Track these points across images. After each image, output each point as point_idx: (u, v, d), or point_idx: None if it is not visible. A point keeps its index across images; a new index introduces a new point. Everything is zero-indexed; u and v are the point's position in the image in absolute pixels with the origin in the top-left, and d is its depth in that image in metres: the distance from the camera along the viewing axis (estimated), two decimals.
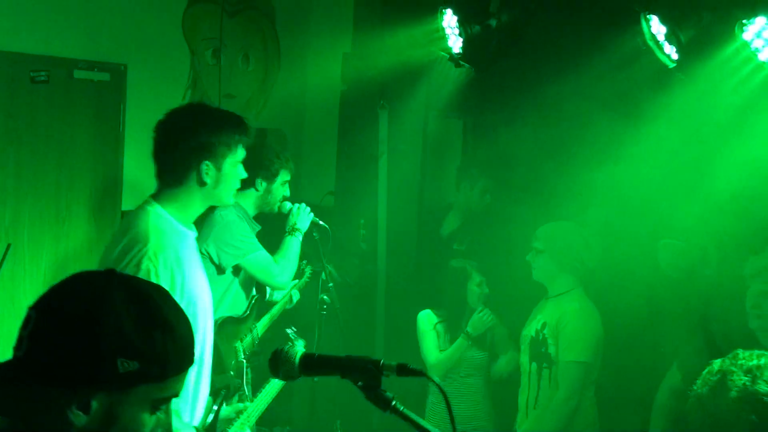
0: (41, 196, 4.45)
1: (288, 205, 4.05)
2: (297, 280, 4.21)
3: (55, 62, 4.43)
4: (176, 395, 1.27)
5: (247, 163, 3.78)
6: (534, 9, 3.65)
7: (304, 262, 4.22)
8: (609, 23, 3.41)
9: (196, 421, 2.46)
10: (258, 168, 3.76)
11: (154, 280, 2.22)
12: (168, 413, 1.30)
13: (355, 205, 5.31)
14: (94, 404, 1.19)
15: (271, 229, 4.03)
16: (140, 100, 4.87)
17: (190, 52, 5.15)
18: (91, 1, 4.59)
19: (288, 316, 4.19)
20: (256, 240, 3.75)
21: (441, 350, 3.84)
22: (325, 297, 4.15)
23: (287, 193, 3.96)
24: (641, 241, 3.61)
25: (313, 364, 1.57)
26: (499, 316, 3.90)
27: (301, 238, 3.94)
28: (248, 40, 5.50)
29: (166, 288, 2.13)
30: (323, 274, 4.19)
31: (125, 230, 2.44)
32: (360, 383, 1.52)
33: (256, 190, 3.80)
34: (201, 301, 2.46)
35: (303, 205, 3.99)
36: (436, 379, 1.57)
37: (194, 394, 2.44)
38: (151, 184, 4.99)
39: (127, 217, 2.53)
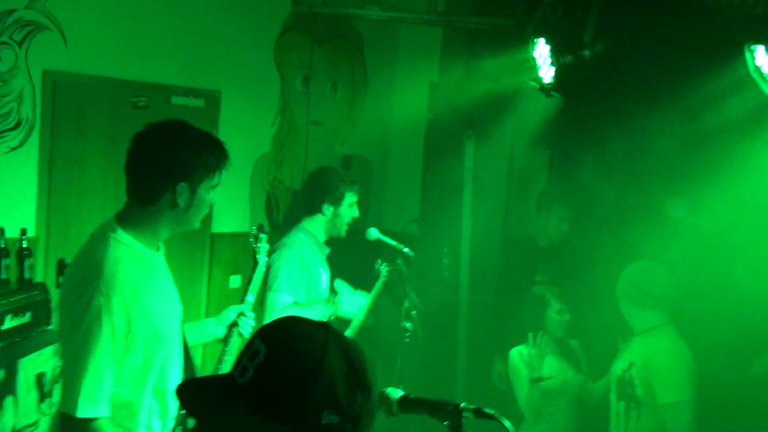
0: None
1: (374, 232, 4.07)
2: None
3: (154, 88, 4.61)
4: None
5: (312, 190, 3.87)
6: (629, 40, 3.60)
7: (379, 261, 4.12)
8: (708, 55, 3.33)
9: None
10: (324, 193, 3.82)
11: (104, 316, 2.14)
12: None
13: (438, 234, 5.30)
14: None
15: (342, 247, 4.04)
16: (232, 125, 5.01)
17: (281, 80, 5.28)
18: (189, 30, 4.76)
19: (370, 343, 4.19)
20: (285, 281, 3.71)
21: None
22: (408, 325, 4.13)
23: (356, 214, 3.99)
24: (722, 276, 3.56)
25: (408, 404, 1.81)
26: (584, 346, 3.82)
27: (328, 313, 3.80)
28: (337, 69, 5.60)
29: (121, 325, 2.16)
30: (406, 301, 4.17)
31: (84, 260, 2.29)
32: (446, 423, 1.73)
33: (324, 215, 3.86)
34: (165, 328, 2.37)
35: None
36: (507, 423, 1.70)
37: (162, 408, 2.39)
38: (238, 208, 5.18)
39: (89, 241, 2.35)
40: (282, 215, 5.40)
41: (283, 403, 1.26)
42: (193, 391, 1.35)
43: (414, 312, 4.15)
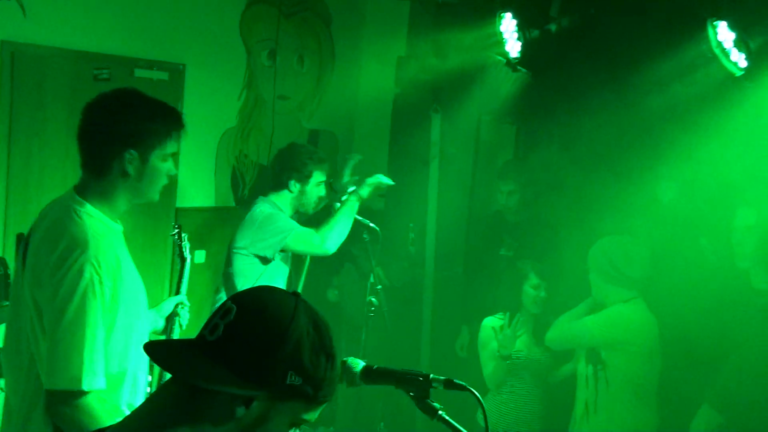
0: None
1: (339, 207, 4.07)
2: None
3: (117, 61, 4.52)
4: (312, 421, 1.41)
5: (281, 165, 3.86)
6: (595, 14, 3.61)
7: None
8: (672, 30, 3.36)
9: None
10: (291, 170, 3.81)
11: (97, 287, 2.13)
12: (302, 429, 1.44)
13: (404, 209, 5.31)
14: (255, 403, 1.32)
15: (308, 222, 4.05)
16: (197, 99, 4.94)
17: (247, 53, 5.21)
18: (153, 1, 4.67)
19: (335, 317, 4.20)
20: (289, 220, 3.81)
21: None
22: (373, 299, 4.16)
23: (323, 193, 3.98)
24: (687, 250, 3.63)
25: (372, 374, 1.80)
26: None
27: (356, 204, 3.91)
28: (303, 42, 5.54)
29: (110, 294, 2.14)
30: (372, 276, 4.19)
31: (58, 231, 2.22)
32: (411, 393, 1.74)
33: (290, 191, 3.85)
34: (141, 301, 2.38)
35: (381, 176, 4.00)
36: (477, 394, 1.74)
37: (133, 386, 2.36)
38: (203, 183, 5.12)
39: (54, 214, 2.28)
40: (248, 190, 5.36)
41: (250, 360, 1.30)
42: (163, 348, 1.40)
43: (379, 287, 4.18)
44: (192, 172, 5.02)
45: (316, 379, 1.35)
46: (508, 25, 3.88)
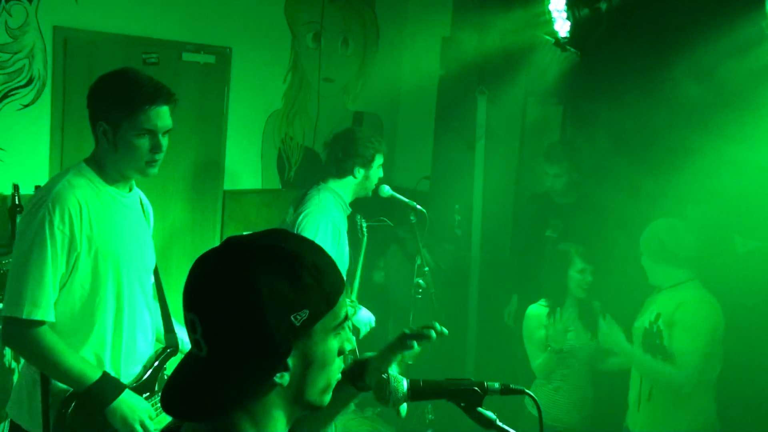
0: None
1: (386, 189, 4.06)
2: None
3: (165, 45, 4.57)
4: (348, 315, 1.36)
5: (344, 152, 3.84)
6: None
7: (358, 216, 4.16)
8: (726, 7, 3.27)
9: (126, 376, 2.47)
10: (355, 156, 3.78)
11: (47, 227, 2.27)
12: (347, 329, 1.38)
13: (450, 191, 5.29)
14: (290, 361, 1.28)
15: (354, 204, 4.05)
16: (243, 82, 4.98)
17: (292, 36, 5.23)
18: None
19: (382, 298, 4.21)
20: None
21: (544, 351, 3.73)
22: (420, 281, 4.15)
23: (381, 174, 3.98)
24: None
25: (420, 392, 1.68)
26: (604, 309, 3.79)
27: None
28: (348, 25, 5.54)
29: (64, 239, 2.27)
30: (418, 258, 4.19)
31: (44, 187, 2.45)
32: (462, 404, 1.65)
33: (354, 177, 3.83)
34: (124, 263, 2.44)
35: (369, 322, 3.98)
36: (532, 392, 1.67)
37: (114, 345, 2.45)
38: (250, 165, 5.18)
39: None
40: (294, 172, 5.39)
41: (253, 346, 1.24)
42: (176, 397, 1.29)
43: (426, 269, 4.17)
44: (239, 155, 5.08)
45: (316, 295, 1.28)
46: (557, 4, 3.82)
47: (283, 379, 1.28)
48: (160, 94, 2.38)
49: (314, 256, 1.32)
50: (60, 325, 2.33)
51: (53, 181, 2.40)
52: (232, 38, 4.90)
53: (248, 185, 5.18)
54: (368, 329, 3.94)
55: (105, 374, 2.36)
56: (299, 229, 3.58)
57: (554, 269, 3.75)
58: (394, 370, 1.84)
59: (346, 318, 1.36)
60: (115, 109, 2.36)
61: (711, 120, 3.73)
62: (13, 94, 4.06)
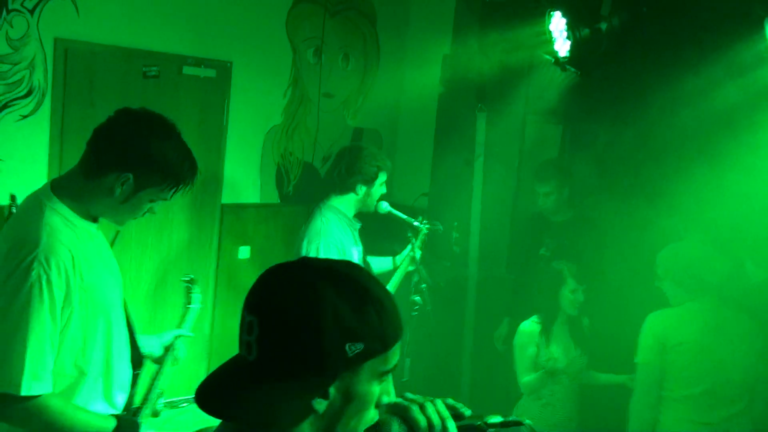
0: None
1: (385, 205, 4.06)
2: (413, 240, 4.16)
3: (166, 58, 4.58)
4: (396, 364, 1.33)
5: (348, 169, 3.84)
6: (646, 12, 3.54)
7: (420, 218, 4.18)
8: (726, 29, 3.28)
9: (120, 408, 2.38)
10: (358, 173, 3.79)
11: (45, 287, 2.03)
12: (389, 381, 1.36)
13: (448, 208, 5.28)
14: (332, 390, 1.27)
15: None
16: (244, 96, 4.99)
17: (293, 51, 5.24)
18: (201, 0, 4.72)
19: None
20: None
21: (534, 369, 3.72)
22: (417, 298, 4.13)
23: (384, 191, 3.98)
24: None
25: None
26: (594, 327, 3.80)
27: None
28: (348, 40, 5.56)
29: (60, 297, 2.05)
30: (416, 275, 4.18)
31: (17, 227, 2.19)
32: None
33: (356, 194, 3.83)
34: (106, 301, 2.28)
35: None
36: (528, 422, 1.59)
37: (106, 384, 2.32)
38: (249, 179, 5.18)
39: (21, 208, 2.28)
40: (292, 187, 5.39)
41: (304, 361, 1.23)
42: (213, 394, 1.29)
43: (423, 286, 4.16)
44: (238, 169, 5.08)
45: (375, 332, 1.27)
46: (557, 23, 3.83)
47: (320, 405, 1.26)
48: (194, 179, 2.29)
49: (383, 296, 1.32)
50: (59, 382, 2.15)
51: (28, 223, 2.13)
52: (233, 52, 4.91)
53: (247, 199, 5.18)
54: None
55: (118, 418, 2.25)
56: (306, 252, 3.58)
57: (547, 287, 3.76)
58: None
59: (395, 368, 1.34)
60: (155, 173, 2.20)
61: (709, 142, 3.73)
62: (12, 105, 4.06)
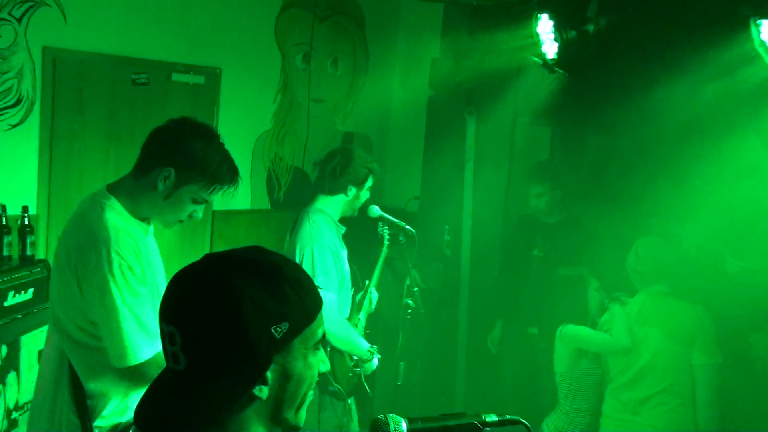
0: None
1: (376, 210, 4.07)
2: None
3: (155, 65, 4.58)
4: (324, 330, 1.36)
5: (340, 170, 3.85)
6: (633, 14, 3.56)
7: (380, 224, 4.18)
8: (713, 29, 3.31)
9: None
10: (349, 175, 3.80)
11: (127, 272, 2.26)
12: (321, 350, 1.39)
13: (439, 211, 5.30)
14: (269, 375, 1.28)
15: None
16: (233, 102, 4.98)
17: (282, 56, 5.24)
18: (189, 6, 4.71)
19: (371, 319, 4.20)
20: (324, 278, 3.65)
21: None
22: (410, 302, 4.14)
23: (368, 196, 3.99)
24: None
25: (419, 431, 1.65)
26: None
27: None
28: (337, 45, 5.57)
29: (135, 279, 2.24)
30: (408, 278, 4.18)
31: (82, 226, 2.37)
32: None
33: (346, 195, 3.83)
34: (159, 287, 2.46)
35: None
36: (523, 420, 1.69)
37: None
38: (239, 186, 5.16)
39: (80, 209, 2.45)
40: (283, 192, 5.39)
41: (234, 355, 1.24)
42: (151, 412, 1.29)
43: (416, 289, 4.16)
44: None
45: (296, 308, 1.28)
46: (544, 26, 3.84)
47: (262, 392, 1.27)
48: (235, 179, 2.44)
49: (294, 271, 1.33)
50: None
51: (94, 221, 2.32)
52: (222, 59, 4.90)
53: (237, 205, 5.17)
54: (374, 367, 3.91)
55: None
56: (300, 262, 3.57)
57: (565, 295, 3.80)
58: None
59: (324, 337, 1.36)
60: (194, 169, 2.36)
61: (697, 142, 3.76)
62: (1, 115, 4.04)
